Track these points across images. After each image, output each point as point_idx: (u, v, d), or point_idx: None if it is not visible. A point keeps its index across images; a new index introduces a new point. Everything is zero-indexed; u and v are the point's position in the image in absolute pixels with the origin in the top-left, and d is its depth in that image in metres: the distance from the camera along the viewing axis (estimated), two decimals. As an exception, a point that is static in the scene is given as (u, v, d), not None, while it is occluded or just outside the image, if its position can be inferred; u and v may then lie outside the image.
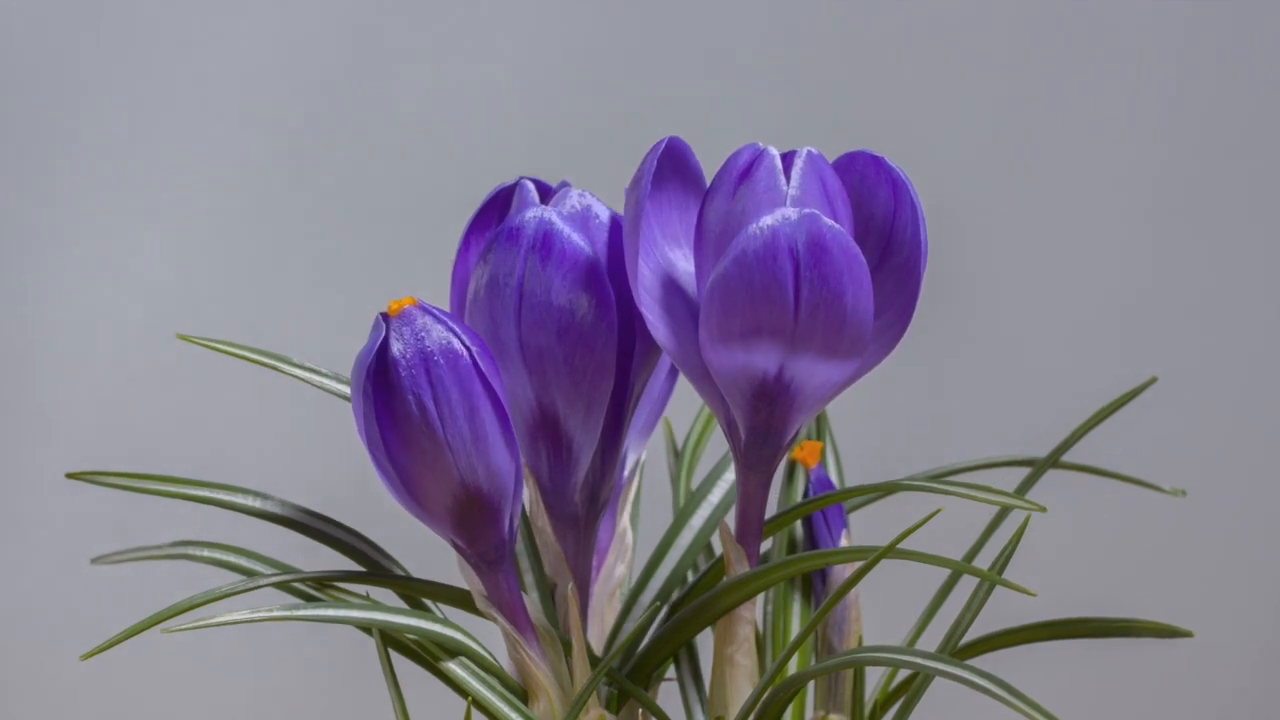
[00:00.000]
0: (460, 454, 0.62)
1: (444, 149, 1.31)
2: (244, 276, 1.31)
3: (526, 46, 1.33)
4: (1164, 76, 1.37)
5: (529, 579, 0.70)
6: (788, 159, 0.63)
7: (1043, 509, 0.63)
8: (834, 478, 0.77)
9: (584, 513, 0.69)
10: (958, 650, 0.70)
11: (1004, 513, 0.74)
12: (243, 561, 0.70)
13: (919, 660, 0.60)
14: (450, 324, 0.62)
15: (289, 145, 1.31)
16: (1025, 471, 0.77)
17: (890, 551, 0.61)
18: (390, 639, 0.66)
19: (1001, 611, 0.71)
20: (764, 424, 0.64)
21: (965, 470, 0.77)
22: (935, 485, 0.65)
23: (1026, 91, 1.36)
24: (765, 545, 0.75)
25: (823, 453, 0.76)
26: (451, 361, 0.61)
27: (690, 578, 0.73)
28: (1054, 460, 0.73)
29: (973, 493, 0.64)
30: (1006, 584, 0.62)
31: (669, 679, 0.72)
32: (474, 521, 0.64)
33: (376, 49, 1.32)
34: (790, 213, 0.61)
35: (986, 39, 1.36)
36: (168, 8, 1.29)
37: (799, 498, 0.75)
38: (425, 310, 0.62)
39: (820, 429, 0.78)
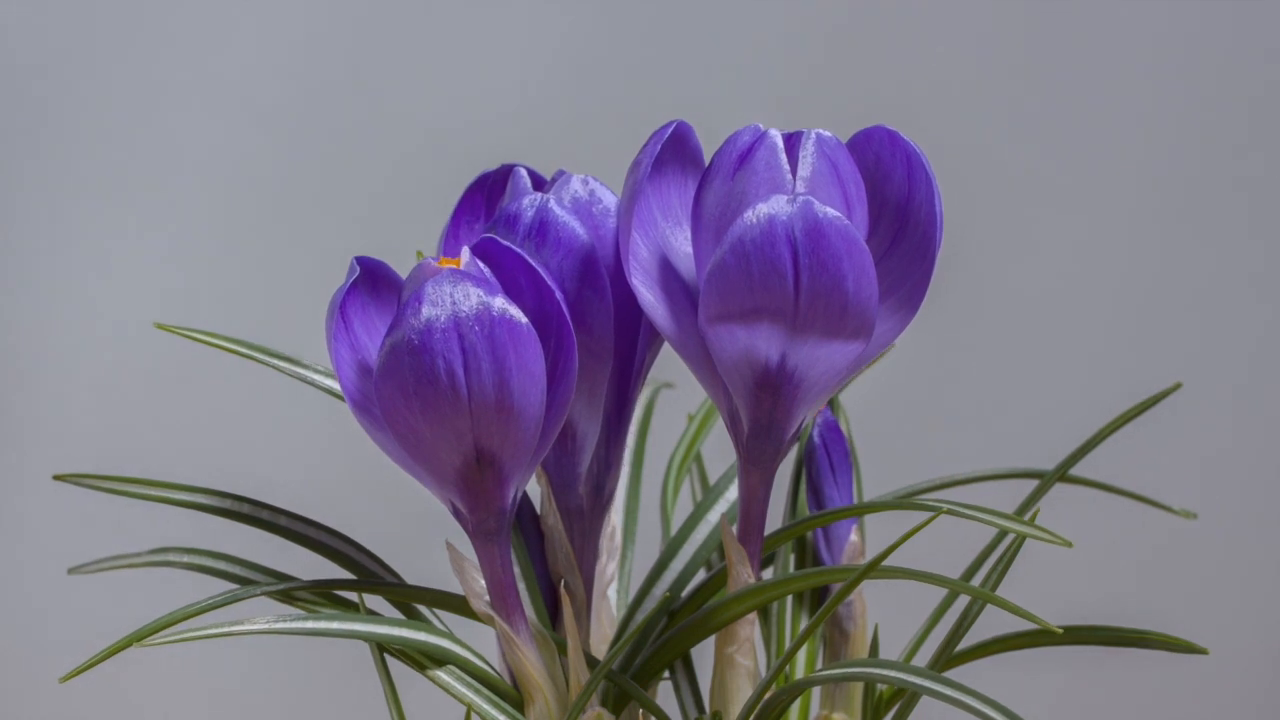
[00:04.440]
0: (481, 419, 0.61)
1: (444, 146, 1.31)
2: (243, 276, 1.31)
3: (527, 43, 1.33)
4: (1183, 74, 1.36)
5: (522, 583, 0.70)
6: (792, 140, 0.62)
7: (1040, 534, 0.62)
8: (853, 488, 0.76)
9: (589, 506, 0.69)
10: (968, 651, 0.70)
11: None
12: (224, 566, 0.69)
13: (917, 680, 0.60)
14: (496, 282, 0.61)
15: (289, 144, 1.31)
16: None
17: (875, 569, 0.60)
18: (386, 646, 0.66)
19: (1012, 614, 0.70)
20: (767, 415, 0.64)
21: (971, 482, 0.76)
22: (923, 503, 0.65)
23: (1036, 89, 1.36)
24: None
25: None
26: (487, 328, 0.60)
27: (703, 574, 0.72)
28: (1061, 474, 0.72)
29: (972, 513, 0.63)
30: (1000, 602, 0.61)
31: (665, 678, 0.72)
32: (481, 485, 0.63)
33: (377, 47, 1.32)
34: (786, 199, 0.60)
35: (996, 35, 1.36)
36: (167, 6, 1.29)
37: (804, 457, 0.75)
38: (465, 274, 0.60)
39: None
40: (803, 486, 0.75)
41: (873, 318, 0.62)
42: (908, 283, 0.64)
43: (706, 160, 0.65)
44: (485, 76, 1.34)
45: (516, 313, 0.60)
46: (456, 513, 0.64)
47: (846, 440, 0.75)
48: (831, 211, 0.60)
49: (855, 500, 0.75)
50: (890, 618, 0.76)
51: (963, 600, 0.70)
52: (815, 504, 0.74)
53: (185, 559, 0.69)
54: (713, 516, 0.72)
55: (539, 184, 0.68)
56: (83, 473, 0.70)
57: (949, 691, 0.59)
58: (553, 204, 0.65)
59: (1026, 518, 0.64)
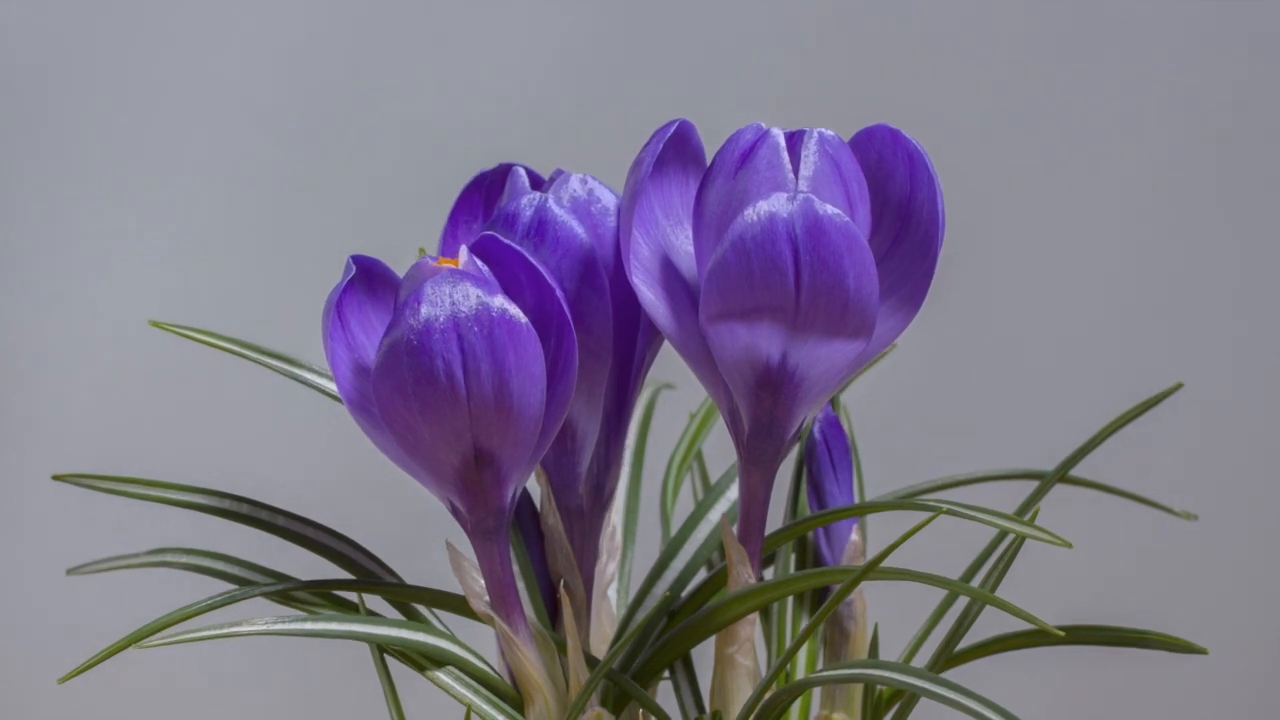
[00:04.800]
0: (480, 419, 0.61)
1: (444, 146, 1.31)
2: (243, 276, 1.31)
3: (527, 42, 1.33)
4: (1188, 73, 1.36)
5: (521, 582, 0.70)
6: (795, 139, 0.62)
7: (1039, 535, 0.62)
8: (854, 486, 0.75)
9: (589, 505, 0.68)
10: (968, 651, 0.70)
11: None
12: (222, 567, 0.69)
13: (916, 681, 0.60)
14: (494, 282, 0.61)
15: (289, 144, 1.31)
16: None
17: (875, 571, 0.60)
18: (385, 647, 0.66)
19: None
20: (768, 414, 0.63)
21: (972, 482, 0.76)
22: (924, 503, 0.64)
23: (1035, 88, 1.35)
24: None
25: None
26: (486, 328, 0.60)
27: (704, 574, 0.72)
28: (1060, 475, 0.72)
29: (972, 513, 0.63)
30: (998, 603, 0.61)
31: (665, 678, 0.71)
32: (479, 484, 0.63)
33: (376, 47, 1.32)
34: (787, 197, 0.60)
35: (999, 33, 1.35)
36: (167, 6, 1.29)
37: (805, 453, 0.74)
38: (464, 274, 0.60)
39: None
40: (804, 484, 0.75)
41: (873, 316, 0.62)
42: (909, 282, 0.64)
43: (708, 160, 0.64)
44: (485, 76, 1.33)
45: (516, 312, 0.60)
46: (455, 511, 0.64)
47: (848, 436, 0.74)
48: (832, 209, 0.60)
49: (856, 495, 0.74)
50: (891, 617, 0.76)
51: (964, 600, 0.70)
52: (816, 500, 0.73)
53: (184, 559, 0.69)
54: (713, 516, 0.72)
55: (537, 184, 0.68)
56: (82, 473, 0.70)
57: (947, 693, 0.58)
58: (551, 203, 0.65)
59: (1026, 518, 0.64)
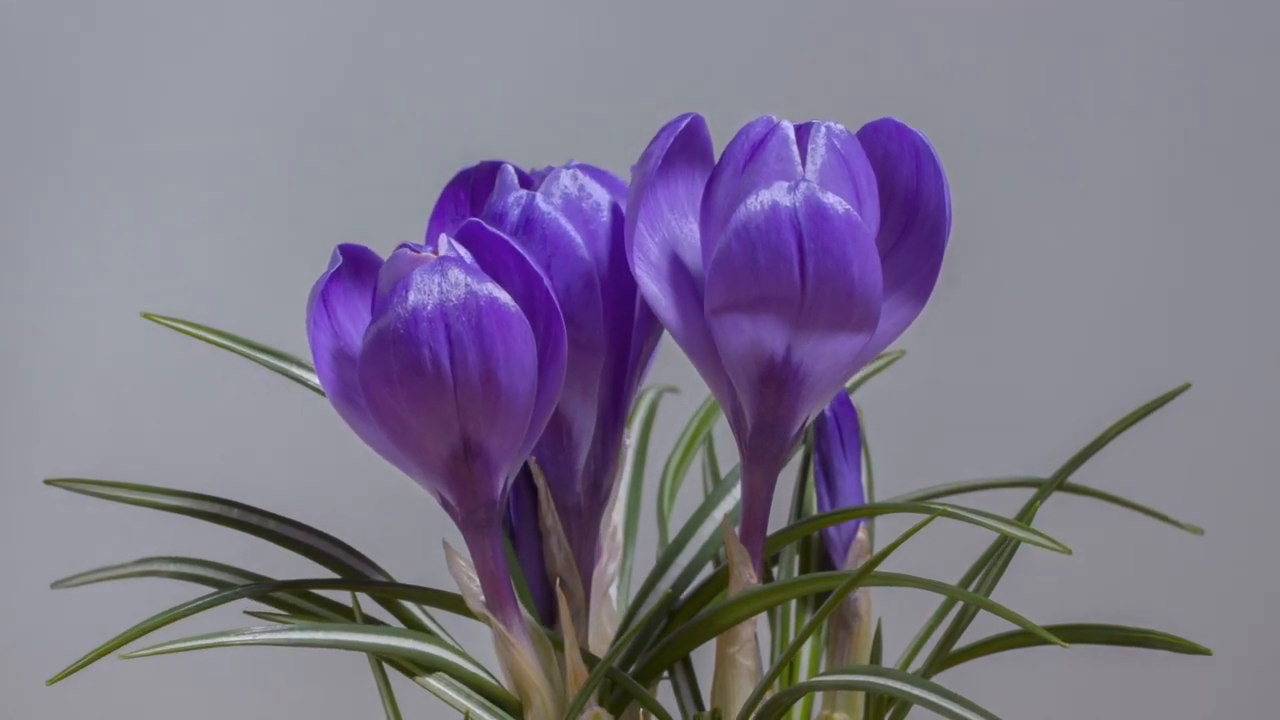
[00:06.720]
0: (468, 408, 0.60)
1: (444, 143, 1.31)
2: (243, 276, 1.31)
3: (527, 42, 1.33)
4: (1195, 71, 1.35)
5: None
6: (803, 132, 0.62)
7: (1037, 539, 0.62)
8: (863, 487, 0.75)
9: (586, 504, 0.68)
10: (966, 650, 0.69)
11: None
12: (212, 574, 0.69)
13: (914, 689, 0.60)
14: (484, 270, 0.60)
15: (289, 144, 1.31)
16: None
17: (872, 575, 0.60)
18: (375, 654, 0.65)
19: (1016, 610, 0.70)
20: (771, 411, 0.63)
21: (980, 488, 0.76)
22: (928, 506, 0.64)
23: (1042, 85, 1.35)
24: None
25: None
26: (474, 317, 0.59)
27: (707, 571, 0.72)
28: (1059, 482, 0.72)
29: (972, 516, 0.63)
30: (992, 607, 0.61)
31: (665, 677, 0.71)
32: (469, 475, 0.62)
33: (375, 43, 1.32)
34: (789, 185, 0.60)
35: (1003, 33, 1.35)
36: (166, 6, 1.29)
37: (815, 429, 0.74)
38: (454, 261, 0.60)
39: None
40: (809, 483, 0.75)
41: (878, 307, 0.61)
42: (916, 276, 0.64)
43: (716, 156, 0.64)
44: (486, 74, 1.33)
45: (506, 299, 0.60)
46: (445, 504, 0.63)
47: (858, 415, 0.74)
48: (834, 196, 0.60)
49: (863, 476, 0.74)
50: (895, 613, 0.75)
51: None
52: (824, 477, 0.73)
53: (171, 568, 0.69)
54: (717, 514, 0.72)
55: (526, 183, 0.67)
56: (74, 477, 0.70)
57: (945, 703, 0.58)
58: (539, 201, 0.65)
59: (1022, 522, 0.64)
